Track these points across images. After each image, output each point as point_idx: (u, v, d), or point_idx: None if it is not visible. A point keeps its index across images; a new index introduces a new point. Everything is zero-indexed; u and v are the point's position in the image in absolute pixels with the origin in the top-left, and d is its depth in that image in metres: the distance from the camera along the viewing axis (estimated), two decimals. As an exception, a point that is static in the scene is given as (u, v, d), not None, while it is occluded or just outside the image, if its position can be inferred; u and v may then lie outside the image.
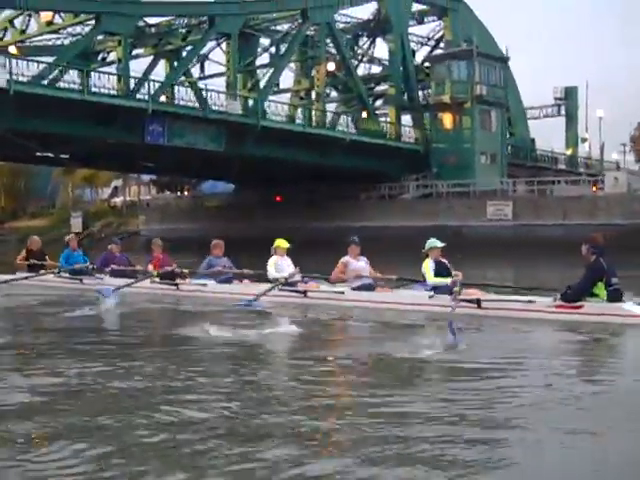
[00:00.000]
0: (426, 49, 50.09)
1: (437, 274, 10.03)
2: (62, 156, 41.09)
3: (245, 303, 10.31)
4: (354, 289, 10.87)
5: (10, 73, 29.32)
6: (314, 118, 40.02)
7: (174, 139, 35.09)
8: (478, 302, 9.47)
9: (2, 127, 30.68)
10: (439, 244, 10.18)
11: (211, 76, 44.05)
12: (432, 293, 9.98)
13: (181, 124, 35.19)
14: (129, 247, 48.27)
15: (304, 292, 11.16)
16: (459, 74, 41.89)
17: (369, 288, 10.91)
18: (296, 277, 11.44)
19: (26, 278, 13.65)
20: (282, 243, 11.68)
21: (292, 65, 46.66)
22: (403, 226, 40.24)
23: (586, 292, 8.77)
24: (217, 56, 45.39)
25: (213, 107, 36.13)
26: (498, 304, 9.36)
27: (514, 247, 33.18)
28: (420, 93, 46.69)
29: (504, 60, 44.07)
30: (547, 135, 54.82)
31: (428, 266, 10.05)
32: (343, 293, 10.81)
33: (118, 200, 75.23)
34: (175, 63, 42.67)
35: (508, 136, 47.29)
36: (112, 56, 43.68)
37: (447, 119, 42.86)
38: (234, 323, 9.12)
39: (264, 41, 48.20)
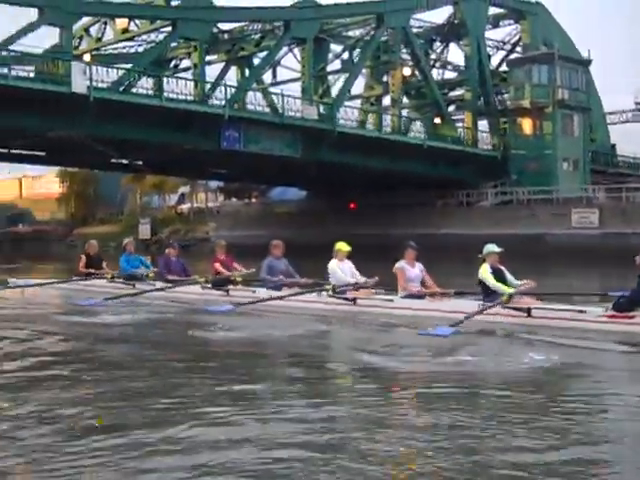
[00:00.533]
0: (501, 53, 48.86)
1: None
2: (136, 162, 41.15)
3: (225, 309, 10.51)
4: (403, 297, 10.58)
5: (90, 80, 29.21)
6: (389, 124, 39.02)
7: (250, 145, 34.64)
8: (528, 310, 9.30)
9: (81, 133, 30.63)
10: (497, 249, 9.92)
11: (283, 82, 43.51)
12: (482, 302, 9.70)
13: (256, 130, 34.72)
14: (198, 253, 48.67)
15: (353, 300, 10.93)
16: (539, 78, 40.53)
17: (419, 296, 10.57)
18: (369, 283, 11.16)
19: (84, 278, 14.22)
20: (343, 246, 11.34)
21: (363, 70, 45.92)
22: (483, 234, 38.99)
23: (638, 302, 8.58)
24: (288, 62, 45.02)
25: (289, 113, 35.56)
26: (548, 312, 9.17)
27: (601, 256, 31.76)
28: (494, 98, 45.44)
29: (586, 63, 42.54)
30: (627, 141, 52.89)
31: (487, 271, 9.74)
32: (392, 301, 10.55)
33: (185, 207, 75.55)
34: (247, 69, 42.49)
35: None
36: (184, 63, 43.76)
37: (527, 124, 41.54)
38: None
39: (334, 47, 47.49)
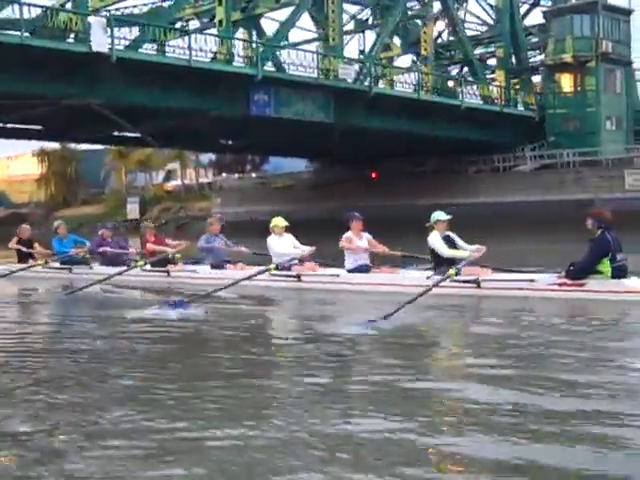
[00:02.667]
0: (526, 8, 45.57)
1: None
2: (146, 136, 37.44)
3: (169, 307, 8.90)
4: (350, 271, 10.48)
5: (112, 37, 25.53)
6: (424, 84, 35.73)
7: (281, 109, 31.21)
8: (477, 282, 9.11)
9: (100, 100, 27.02)
10: (445, 216, 9.71)
11: (307, 41, 39.92)
12: (431, 273, 9.63)
13: (287, 93, 31.30)
14: (199, 232, 45.08)
15: (298, 276, 10.79)
16: (582, 29, 37.50)
17: (365, 270, 10.46)
18: (305, 252, 11.13)
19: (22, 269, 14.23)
20: (279, 221, 11.30)
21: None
22: (521, 201, 36.31)
23: (590, 269, 8.42)
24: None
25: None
26: (498, 284, 9.01)
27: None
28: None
29: (628, 12, 39.52)
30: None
31: (437, 239, 9.54)
32: (338, 276, 10.48)
33: (174, 184, 71.82)
34: (255, 29, 38.77)
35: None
36: (191, 25, 39.89)
37: (566, 81, 38.57)
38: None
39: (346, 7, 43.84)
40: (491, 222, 30.21)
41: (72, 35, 26.44)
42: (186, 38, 27.76)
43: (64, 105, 27.28)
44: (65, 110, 28.78)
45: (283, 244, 11.20)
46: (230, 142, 42.84)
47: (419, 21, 40.89)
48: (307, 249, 11.14)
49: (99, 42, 24.94)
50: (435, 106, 35.15)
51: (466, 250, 9.53)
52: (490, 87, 38.37)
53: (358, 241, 10.59)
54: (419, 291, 8.55)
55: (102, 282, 11.73)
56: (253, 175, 60.11)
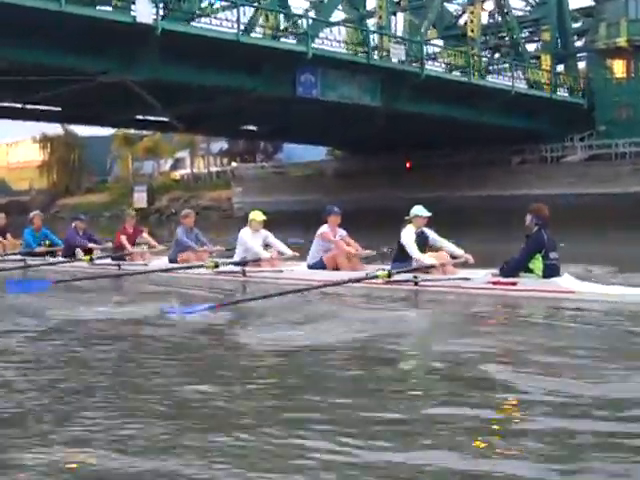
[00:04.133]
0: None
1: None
2: (173, 120, 35.11)
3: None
4: (310, 267, 10.13)
5: (157, 7, 23.18)
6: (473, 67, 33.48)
7: (327, 92, 28.96)
8: (415, 281, 9.04)
9: (136, 77, 24.74)
10: (426, 213, 9.45)
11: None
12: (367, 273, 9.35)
13: (334, 74, 29.06)
14: (216, 223, 43.15)
15: (242, 272, 10.53)
16: (637, 12, 35.39)
17: (322, 267, 10.01)
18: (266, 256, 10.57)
19: None
20: (257, 215, 10.86)
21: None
22: (571, 194, 34.16)
23: (523, 266, 8.34)
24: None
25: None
26: (434, 282, 8.99)
27: None
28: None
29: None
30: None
31: (409, 235, 9.29)
32: (281, 272, 10.21)
33: (182, 172, 69.42)
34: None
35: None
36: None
37: (619, 66, 36.47)
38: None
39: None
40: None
41: (107, 4, 24.00)
42: (234, 11, 25.33)
43: (97, 83, 25.01)
44: (94, 89, 26.60)
45: (256, 241, 10.66)
46: (255, 128, 40.68)
47: (458, 4, 38.77)
48: (275, 254, 10.67)
49: (143, 12, 22.64)
50: (483, 91, 33.01)
51: (440, 247, 9.39)
52: (538, 72, 36.11)
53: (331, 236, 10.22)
54: (330, 281, 9.00)
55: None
56: (265, 164, 57.41)
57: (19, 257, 13.57)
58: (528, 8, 41.31)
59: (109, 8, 23.32)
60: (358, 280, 8.97)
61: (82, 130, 73.80)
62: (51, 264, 12.67)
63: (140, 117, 36.80)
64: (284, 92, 27.88)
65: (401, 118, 32.13)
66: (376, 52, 29.03)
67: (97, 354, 6.25)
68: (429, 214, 9.42)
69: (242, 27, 26.09)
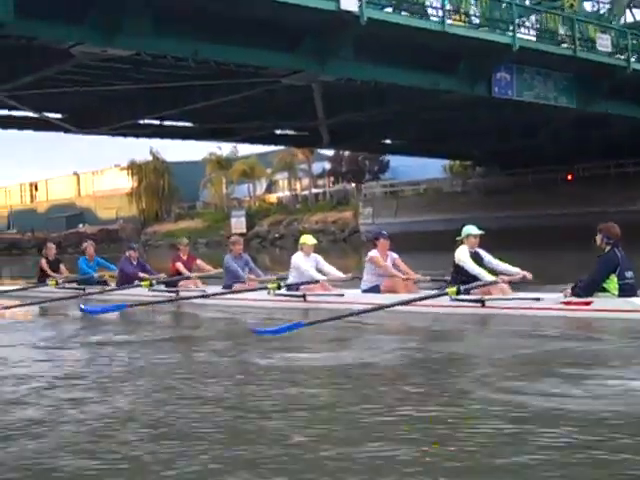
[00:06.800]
0: None
1: None
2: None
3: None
4: (364, 291, 10.05)
5: (361, -8, 19.45)
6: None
7: (523, 92, 25.02)
8: (482, 301, 8.77)
9: (332, 75, 21.18)
10: (476, 231, 9.25)
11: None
12: (433, 292, 9.26)
13: (529, 71, 25.14)
14: (331, 249, 39.36)
15: (303, 296, 10.32)
16: None
17: (377, 290, 9.87)
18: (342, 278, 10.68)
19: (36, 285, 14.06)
20: (308, 239, 10.85)
21: None
22: None
23: (597, 286, 8.09)
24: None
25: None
26: (503, 302, 8.70)
27: None
28: None
29: None
30: None
31: (465, 254, 9.05)
32: (343, 295, 10.11)
33: (280, 195, 66.20)
34: None
35: None
36: None
37: None
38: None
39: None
40: None
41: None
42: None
43: (281, 85, 21.49)
44: (261, 96, 23.27)
45: (309, 264, 10.60)
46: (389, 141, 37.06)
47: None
48: (344, 276, 10.74)
49: (348, -1, 18.92)
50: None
51: (499, 271, 9.06)
52: None
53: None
54: (362, 308, 8.62)
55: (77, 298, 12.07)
56: (393, 182, 53.27)
57: (75, 285, 13.53)
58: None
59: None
60: (427, 298, 8.91)
61: (169, 156, 71.68)
62: (108, 291, 12.59)
63: (278, 132, 33.50)
64: (480, 93, 24.05)
65: (591, 121, 28.06)
66: (577, 43, 24.81)
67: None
68: (481, 232, 9.29)
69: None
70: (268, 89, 23.12)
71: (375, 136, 35.19)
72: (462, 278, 8.96)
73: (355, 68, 21.07)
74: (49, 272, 14.10)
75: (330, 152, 60.61)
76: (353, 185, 59.72)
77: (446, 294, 8.75)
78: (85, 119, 26.74)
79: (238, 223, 61.18)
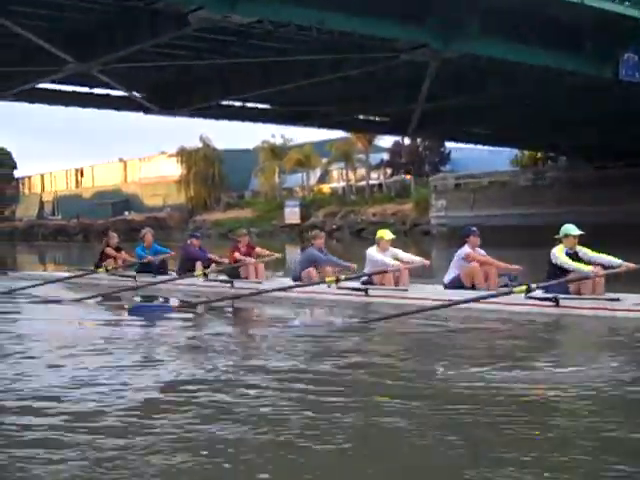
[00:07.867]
0: None
1: None
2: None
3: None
4: (447, 286, 9.87)
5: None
6: None
7: (647, 74, 22.86)
8: (556, 300, 8.49)
9: (457, 51, 19.19)
10: (576, 231, 8.95)
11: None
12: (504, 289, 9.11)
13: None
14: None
15: (365, 290, 10.29)
16: None
17: (461, 286, 9.73)
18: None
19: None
20: (385, 234, 10.75)
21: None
22: None
23: None
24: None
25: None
26: (578, 302, 8.39)
27: None
28: None
29: None
30: None
31: (562, 252, 8.81)
32: (407, 290, 10.01)
33: (334, 186, 64.39)
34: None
35: None
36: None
37: None
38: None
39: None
40: None
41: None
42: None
43: (400, 61, 19.52)
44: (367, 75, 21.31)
45: (388, 260, 10.48)
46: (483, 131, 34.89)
47: None
48: (417, 260, 10.69)
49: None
50: None
51: (609, 262, 8.67)
52: None
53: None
54: (435, 304, 8.83)
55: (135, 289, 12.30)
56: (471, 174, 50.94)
57: (133, 273, 13.57)
58: None
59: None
60: (490, 296, 8.71)
61: (219, 144, 70.18)
62: (163, 282, 12.48)
63: (362, 117, 31.57)
64: (606, 75, 21.91)
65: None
66: None
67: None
68: (580, 232, 8.96)
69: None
70: (369, 70, 21.26)
71: (464, 124, 33.00)
72: (556, 278, 8.77)
73: (482, 45, 19.06)
74: (116, 255, 14.11)
75: (388, 143, 58.88)
76: (408, 177, 57.84)
77: (512, 292, 8.60)
78: (167, 98, 25.05)
79: (292, 213, 59.50)
